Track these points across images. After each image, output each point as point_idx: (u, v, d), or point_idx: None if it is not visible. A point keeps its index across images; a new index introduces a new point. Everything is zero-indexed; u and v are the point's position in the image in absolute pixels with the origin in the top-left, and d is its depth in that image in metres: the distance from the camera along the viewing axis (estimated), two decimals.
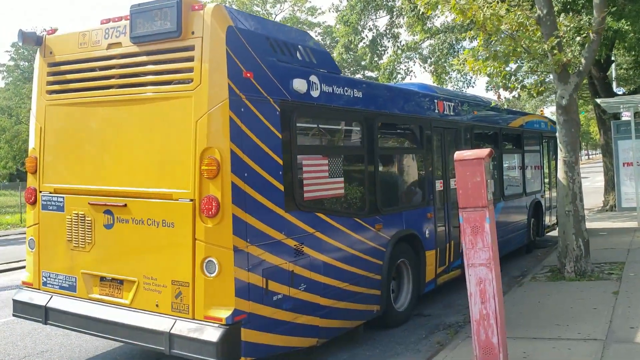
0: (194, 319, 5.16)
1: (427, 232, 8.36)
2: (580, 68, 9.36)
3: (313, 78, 6.14)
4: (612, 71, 21.33)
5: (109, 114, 5.80)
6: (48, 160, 6.27)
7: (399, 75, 22.10)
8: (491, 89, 24.18)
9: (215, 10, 5.20)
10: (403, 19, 20.54)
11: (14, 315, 6.42)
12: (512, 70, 10.51)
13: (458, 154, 5.46)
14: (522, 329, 6.64)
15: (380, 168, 7.46)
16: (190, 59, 5.23)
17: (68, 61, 6.11)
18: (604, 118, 19.99)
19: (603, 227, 15.22)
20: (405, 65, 23.08)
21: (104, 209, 5.75)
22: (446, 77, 23.68)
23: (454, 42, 20.13)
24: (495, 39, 9.46)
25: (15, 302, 6.37)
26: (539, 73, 11.03)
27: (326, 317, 6.20)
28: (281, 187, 5.62)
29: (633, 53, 16.71)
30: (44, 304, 6.08)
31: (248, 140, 5.27)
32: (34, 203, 6.34)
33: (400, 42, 21.03)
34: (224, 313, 5.03)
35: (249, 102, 5.29)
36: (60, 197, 6.10)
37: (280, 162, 5.62)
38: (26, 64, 45.95)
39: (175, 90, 5.35)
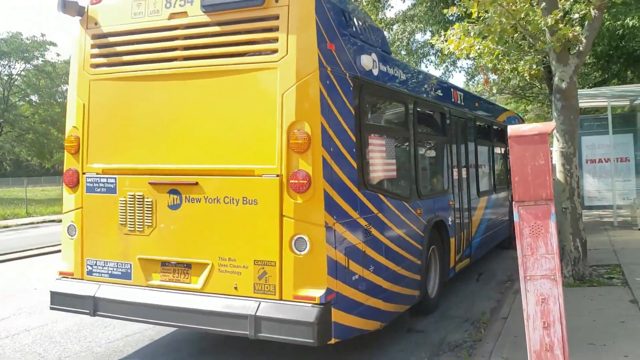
0: (281, 299, 4.96)
1: (449, 219, 8.46)
2: (581, 48, 8.61)
3: (374, 56, 6.08)
4: None
5: (172, 88, 5.49)
6: (94, 139, 5.85)
7: None
8: (478, 73, 24.50)
9: None
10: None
11: (51, 308, 5.93)
12: (504, 49, 9.50)
13: (514, 129, 4.59)
14: None
15: (421, 153, 7.49)
16: (274, 29, 5.05)
17: (119, 32, 5.75)
18: None
19: None
20: None
21: (168, 188, 5.44)
22: None
23: (414, 30, 20.40)
24: (490, 13, 8.34)
25: (54, 294, 5.88)
26: (532, 53, 9.84)
27: (386, 300, 6.13)
28: (355, 165, 5.52)
29: (600, 45, 16.43)
30: (92, 294, 5.67)
31: (332, 114, 5.15)
32: (75, 185, 5.90)
33: None
34: (317, 292, 4.87)
35: (332, 75, 5.17)
36: (112, 178, 5.72)
37: (354, 139, 5.52)
38: None
39: (255, 61, 5.15)
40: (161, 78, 5.54)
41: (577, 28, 8.35)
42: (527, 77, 10.74)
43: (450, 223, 8.43)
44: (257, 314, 4.93)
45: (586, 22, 8.68)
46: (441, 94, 8.61)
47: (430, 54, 23.82)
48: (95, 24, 5.87)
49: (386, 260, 6.13)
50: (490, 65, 10.15)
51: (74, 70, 5.99)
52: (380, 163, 6.22)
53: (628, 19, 13.94)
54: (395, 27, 22.56)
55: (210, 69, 5.31)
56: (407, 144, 7.11)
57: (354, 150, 5.51)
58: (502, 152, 12.79)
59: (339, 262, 5.11)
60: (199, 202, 5.31)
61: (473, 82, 28.94)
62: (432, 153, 8.50)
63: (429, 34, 22.23)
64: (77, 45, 5.98)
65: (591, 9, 8.50)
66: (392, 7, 27.53)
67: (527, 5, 8.20)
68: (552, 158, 5.93)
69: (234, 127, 5.23)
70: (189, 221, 5.38)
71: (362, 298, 5.54)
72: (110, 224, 5.72)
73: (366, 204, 5.73)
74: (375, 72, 6.09)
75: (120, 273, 5.68)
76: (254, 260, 5.07)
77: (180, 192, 5.40)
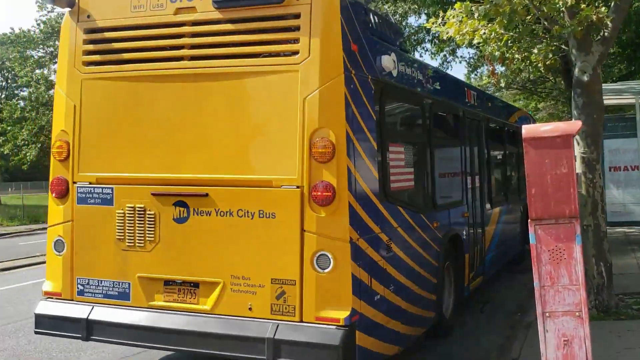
0: (301, 321, 5.06)
1: (464, 233, 8.70)
2: (606, 33, 8.01)
3: (394, 56, 6.21)
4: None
5: (178, 90, 5.55)
6: (86, 145, 5.89)
7: None
8: (483, 64, 24.05)
9: None
10: None
11: (36, 332, 5.99)
12: (514, 35, 8.83)
13: (530, 129, 4.33)
14: None
15: (437, 160, 7.74)
16: (295, 28, 5.17)
17: (116, 27, 5.79)
18: None
19: None
20: None
21: (174, 200, 5.53)
22: None
23: (407, 12, 20.51)
24: None
25: (39, 316, 5.90)
26: (547, 40, 9.11)
27: (405, 322, 6.25)
28: (377, 175, 5.66)
29: (626, 31, 15.74)
30: (85, 317, 5.74)
31: (356, 121, 5.27)
32: (64, 196, 5.96)
33: None
34: (341, 313, 4.98)
35: (356, 78, 5.31)
36: (107, 188, 5.79)
37: (376, 146, 5.66)
38: None
39: (273, 63, 5.26)
40: (165, 79, 5.60)
41: (602, 9, 7.73)
42: (542, 69, 10.01)
43: (465, 237, 8.68)
44: (276, 336, 5.04)
45: (612, 3, 8.16)
46: (458, 95, 8.82)
47: (426, 40, 22.65)
48: (88, 16, 5.92)
49: (405, 278, 6.26)
50: (497, 54, 9.43)
51: (63, 67, 6.03)
52: (400, 172, 6.39)
53: None
54: (384, 8, 22.58)
55: (222, 70, 5.38)
56: (424, 150, 7.23)
57: (376, 159, 5.69)
58: (514, 156, 13.12)
59: (363, 280, 5.22)
60: (209, 215, 5.42)
61: (476, 74, 28.81)
62: (448, 159, 8.68)
63: (424, 17, 21.61)
64: (66, 40, 6.00)
65: None
66: None
67: None
68: None
69: (249, 134, 5.33)
70: (197, 236, 5.45)
71: (383, 320, 5.68)
72: (105, 238, 5.76)
73: (387, 218, 5.88)
74: (395, 73, 6.22)
75: (116, 293, 5.74)
76: (271, 279, 5.17)
77: (188, 205, 5.49)
